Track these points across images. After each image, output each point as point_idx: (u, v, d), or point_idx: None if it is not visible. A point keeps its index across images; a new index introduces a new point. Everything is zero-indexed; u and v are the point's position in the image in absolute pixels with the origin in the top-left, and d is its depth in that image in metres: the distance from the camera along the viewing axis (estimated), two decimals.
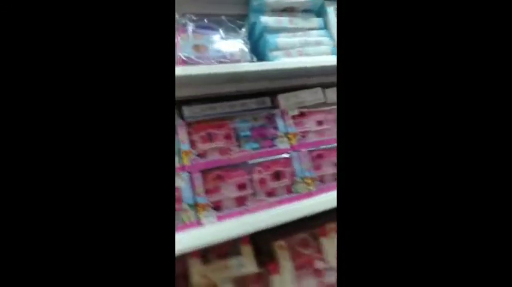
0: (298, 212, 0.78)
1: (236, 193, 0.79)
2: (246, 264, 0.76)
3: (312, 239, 0.82)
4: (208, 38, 0.86)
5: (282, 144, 0.88)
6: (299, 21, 1.00)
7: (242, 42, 0.91)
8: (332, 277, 0.79)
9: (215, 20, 0.90)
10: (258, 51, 0.95)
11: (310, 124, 0.93)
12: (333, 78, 1.06)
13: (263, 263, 0.78)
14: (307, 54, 0.97)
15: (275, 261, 0.78)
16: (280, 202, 0.81)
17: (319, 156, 0.90)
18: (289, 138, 0.89)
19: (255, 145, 0.86)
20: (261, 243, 0.84)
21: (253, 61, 0.91)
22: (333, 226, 0.84)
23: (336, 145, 0.92)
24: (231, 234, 0.71)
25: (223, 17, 0.90)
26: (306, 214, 0.78)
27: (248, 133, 0.86)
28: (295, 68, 0.89)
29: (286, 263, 0.78)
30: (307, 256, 0.81)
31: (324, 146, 0.92)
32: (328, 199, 0.81)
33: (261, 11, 0.98)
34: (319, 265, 0.80)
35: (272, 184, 0.83)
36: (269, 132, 0.89)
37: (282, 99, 0.95)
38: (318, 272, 0.79)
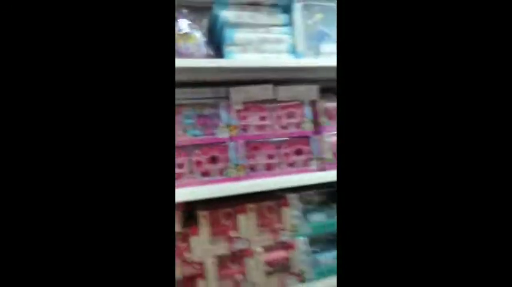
0: (224, 192, 0.97)
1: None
2: None
3: (232, 214, 1.03)
4: None
5: (222, 134, 1.02)
6: (262, 17, 1.06)
7: (200, 35, 0.99)
8: (240, 245, 1.02)
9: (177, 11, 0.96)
10: (218, 43, 1.04)
11: (253, 118, 1.06)
12: (288, 75, 1.15)
13: (188, 226, 1.00)
14: (264, 51, 1.05)
15: (197, 226, 1.00)
16: (211, 182, 1.00)
17: (255, 148, 1.05)
18: (230, 129, 1.03)
19: (198, 132, 1.01)
20: (191, 211, 1.06)
21: (209, 54, 1.01)
22: (251, 206, 1.03)
23: (272, 139, 1.08)
24: None
25: (183, 10, 0.96)
26: (230, 194, 0.97)
27: (192, 121, 1.01)
28: (245, 67, 0.99)
29: (204, 229, 1.00)
30: (225, 226, 1.02)
31: (261, 140, 1.06)
32: (251, 184, 0.99)
33: (226, 3, 1.02)
34: (232, 234, 1.01)
35: (207, 166, 1.01)
36: (212, 122, 1.03)
37: (233, 92, 1.05)
38: (230, 239, 1.01)
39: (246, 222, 1.03)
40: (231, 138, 1.02)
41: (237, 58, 1.00)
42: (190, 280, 0.97)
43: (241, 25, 1.03)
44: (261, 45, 1.04)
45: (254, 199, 1.06)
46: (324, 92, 1.13)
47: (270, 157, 1.06)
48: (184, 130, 1.00)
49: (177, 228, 0.98)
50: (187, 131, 1.00)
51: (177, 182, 0.97)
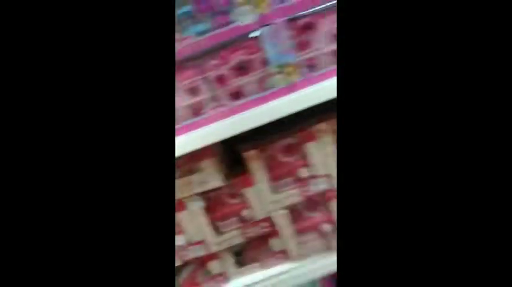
0: (272, 115, 0.59)
1: (188, 102, 0.59)
2: (210, 179, 0.66)
3: (295, 144, 0.67)
4: None
5: (245, 16, 0.56)
6: None
7: None
8: (318, 186, 0.68)
9: None
10: None
11: None
12: None
13: (235, 175, 0.68)
14: None
15: (248, 172, 0.66)
16: (247, 105, 0.61)
17: (308, 26, 0.59)
18: (256, 5, 0.56)
19: (203, 27, 0.55)
20: (232, 154, 0.71)
21: None
22: (323, 127, 0.66)
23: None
24: (186, 149, 0.58)
25: None
26: (283, 115, 0.60)
27: (190, 9, 0.54)
28: None
29: (260, 174, 0.67)
30: (287, 164, 0.68)
31: (316, 8, 0.58)
32: (315, 92, 0.59)
33: None
34: (302, 173, 0.68)
35: (236, 81, 0.59)
36: (221, 2, 0.55)
37: None
38: (300, 181, 0.68)
39: (320, 151, 0.67)
40: (263, 20, 0.57)
41: None
42: (260, 240, 0.71)
43: None
44: None
45: (326, 113, 0.67)
46: None
47: None
48: (182, 28, 0.55)
49: (219, 183, 0.66)
50: (186, 30, 0.55)
51: (197, 118, 0.60)
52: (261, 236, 0.71)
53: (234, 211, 0.69)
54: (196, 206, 0.67)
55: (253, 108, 0.59)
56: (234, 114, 0.59)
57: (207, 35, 0.56)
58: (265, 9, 0.56)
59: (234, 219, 0.70)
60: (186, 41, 0.56)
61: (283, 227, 0.70)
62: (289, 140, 0.66)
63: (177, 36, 0.55)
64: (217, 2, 0.55)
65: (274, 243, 0.72)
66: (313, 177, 0.67)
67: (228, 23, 0.56)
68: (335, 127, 0.65)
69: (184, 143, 0.58)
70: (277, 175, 0.68)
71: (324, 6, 0.58)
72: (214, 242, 0.70)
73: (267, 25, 0.57)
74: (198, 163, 0.65)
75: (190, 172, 0.66)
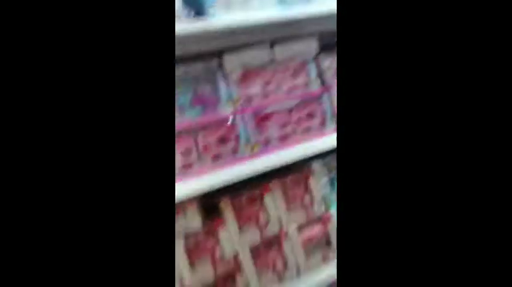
0: (242, 174, 0.84)
1: (181, 160, 0.81)
2: (192, 222, 0.83)
3: (257, 196, 0.90)
4: None
5: (225, 109, 0.88)
6: None
7: None
8: (273, 228, 0.89)
9: None
10: (196, 4, 0.85)
11: (255, 86, 0.92)
12: (282, 32, 1.02)
13: (210, 220, 0.85)
14: (252, 8, 0.89)
15: (221, 217, 0.86)
16: (225, 165, 0.85)
17: (265, 118, 0.91)
18: (233, 103, 0.88)
19: (197, 112, 0.85)
20: (209, 202, 0.89)
21: (189, 17, 0.83)
22: (275, 184, 0.91)
23: (282, 105, 0.93)
24: (178, 196, 0.75)
25: None
26: (249, 175, 0.85)
27: (188, 100, 0.84)
28: (234, 27, 0.83)
29: (230, 219, 0.86)
30: (252, 211, 0.89)
31: (270, 108, 0.92)
32: (270, 160, 0.86)
33: None
34: (262, 218, 0.88)
35: (217, 149, 0.86)
36: (211, 98, 0.87)
37: (226, 61, 0.91)
38: (260, 225, 0.88)
39: (273, 202, 0.90)
40: (236, 113, 0.88)
41: (222, 18, 0.83)
42: (226, 278, 0.83)
43: None
44: (246, 1, 0.89)
45: (275, 176, 0.94)
46: (323, 48, 1.02)
47: (283, 125, 0.93)
48: (182, 112, 0.83)
49: (198, 224, 0.83)
50: (186, 112, 0.83)
51: (187, 173, 0.82)
52: (228, 274, 0.84)
53: (207, 251, 0.84)
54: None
55: (227, 168, 0.84)
56: (214, 171, 0.83)
57: (200, 117, 0.85)
58: (239, 107, 0.89)
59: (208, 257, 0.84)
60: (181, 118, 0.83)
61: (247, 264, 0.86)
62: (252, 193, 0.90)
63: (177, 117, 0.81)
64: (208, 97, 0.87)
65: (239, 281, 0.85)
66: (268, 222, 0.89)
67: (215, 111, 0.87)
68: (282, 184, 0.92)
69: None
70: (243, 219, 0.89)
71: (274, 106, 0.92)
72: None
73: (239, 115, 0.89)
74: (184, 209, 0.83)
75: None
